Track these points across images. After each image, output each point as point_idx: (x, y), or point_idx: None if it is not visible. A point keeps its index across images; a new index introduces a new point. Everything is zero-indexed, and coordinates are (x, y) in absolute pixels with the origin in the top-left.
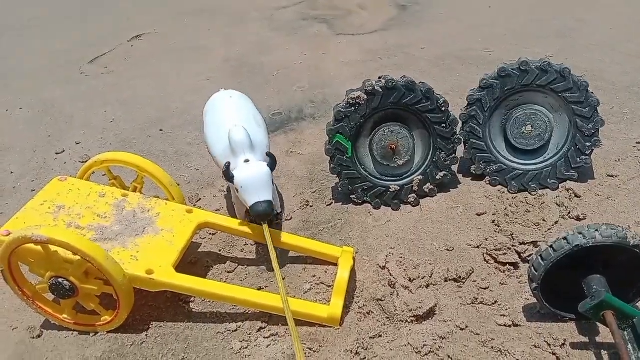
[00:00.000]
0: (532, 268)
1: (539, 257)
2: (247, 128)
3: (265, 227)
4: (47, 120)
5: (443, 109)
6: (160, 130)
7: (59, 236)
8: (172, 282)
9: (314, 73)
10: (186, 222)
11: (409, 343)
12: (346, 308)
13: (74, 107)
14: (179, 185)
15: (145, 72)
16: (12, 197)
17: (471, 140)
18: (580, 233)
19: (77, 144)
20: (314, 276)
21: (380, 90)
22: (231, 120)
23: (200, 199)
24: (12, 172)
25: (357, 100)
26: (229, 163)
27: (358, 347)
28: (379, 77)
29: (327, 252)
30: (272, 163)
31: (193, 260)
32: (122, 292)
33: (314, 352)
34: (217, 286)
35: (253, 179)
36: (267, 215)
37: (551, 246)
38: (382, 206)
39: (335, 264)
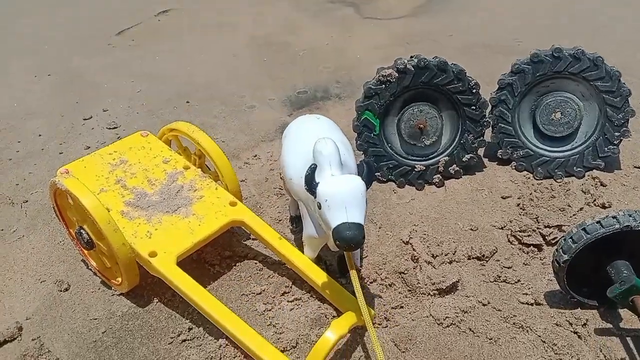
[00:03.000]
0: (561, 250)
1: (570, 240)
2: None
3: (349, 255)
4: (74, 88)
5: (474, 90)
6: (187, 102)
7: (75, 190)
8: (164, 274)
9: (340, 55)
10: (221, 214)
11: (430, 314)
12: (369, 279)
13: (101, 77)
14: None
15: (171, 47)
16: (40, 158)
17: (500, 124)
18: (614, 217)
19: (104, 111)
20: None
21: (412, 69)
22: (318, 136)
23: None
24: (40, 135)
25: (388, 78)
26: (315, 165)
27: (379, 317)
28: (411, 56)
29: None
30: (369, 176)
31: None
32: (121, 261)
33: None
34: (204, 299)
35: (342, 193)
36: (355, 243)
37: (584, 229)
38: (406, 185)
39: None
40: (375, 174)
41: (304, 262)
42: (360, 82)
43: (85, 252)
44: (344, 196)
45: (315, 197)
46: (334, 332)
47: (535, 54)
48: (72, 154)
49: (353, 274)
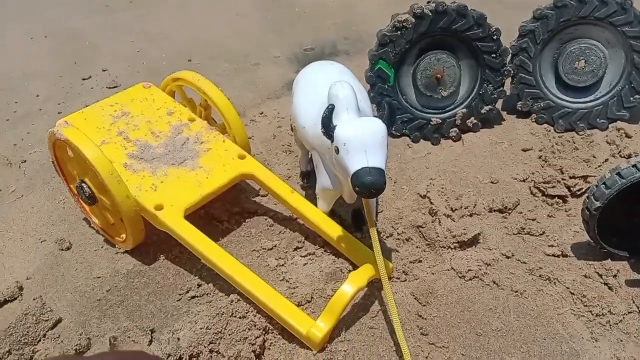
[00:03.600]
0: (593, 197)
1: (603, 185)
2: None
3: (368, 205)
4: (72, 48)
5: (495, 37)
6: (189, 60)
7: (75, 140)
8: (172, 227)
9: (348, 11)
10: (230, 167)
11: (452, 267)
12: (385, 234)
13: (99, 37)
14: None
15: (171, 5)
16: (38, 119)
17: (520, 74)
18: None
19: (103, 71)
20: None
21: (430, 13)
22: (332, 81)
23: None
24: (37, 95)
25: (403, 24)
26: (332, 106)
27: (398, 271)
28: (428, 1)
29: (357, 258)
30: (391, 118)
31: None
32: (125, 214)
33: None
34: (214, 253)
35: (362, 135)
36: (376, 189)
37: (618, 173)
38: (422, 140)
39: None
40: (395, 122)
41: (317, 216)
42: (369, 39)
43: (87, 208)
44: (364, 139)
45: (332, 141)
46: (352, 285)
47: None
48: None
49: (372, 230)
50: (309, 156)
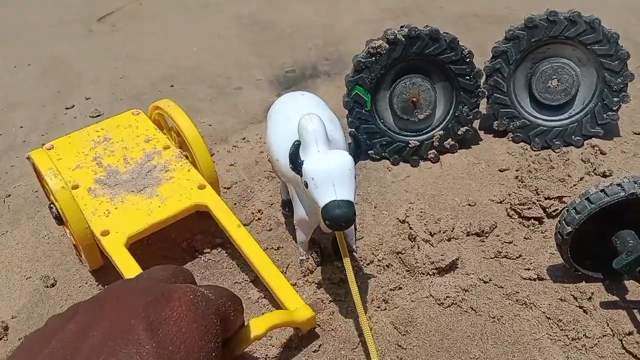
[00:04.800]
0: (564, 222)
1: (573, 210)
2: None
3: (341, 237)
4: (55, 76)
5: (467, 60)
6: (171, 86)
7: (40, 165)
8: (110, 253)
9: (328, 31)
10: (185, 197)
11: (430, 295)
12: (365, 261)
13: (83, 64)
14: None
15: (154, 30)
16: (22, 151)
17: (495, 94)
18: (618, 185)
19: (87, 99)
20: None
21: (403, 39)
22: (302, 113)
23: (213, 153)
24: (21, 127)
25: (377, 50)
26: (299, 142)
27: (378, 299)
28: (401, 26)
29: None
30: (357, 150)
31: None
32: (80, 243)
33: (340, 301)
34: None
35: (329, 169)
36: (345, 221)
37: (587, 198)
38: (401, 162)
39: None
40: (368, 151)
41: (257, 255)
42: (350, 58)
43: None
44: (331, 173)
45: (301, 176)
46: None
47: (530, 19)
48: None
49: (346, 261)
50: (287, 186)
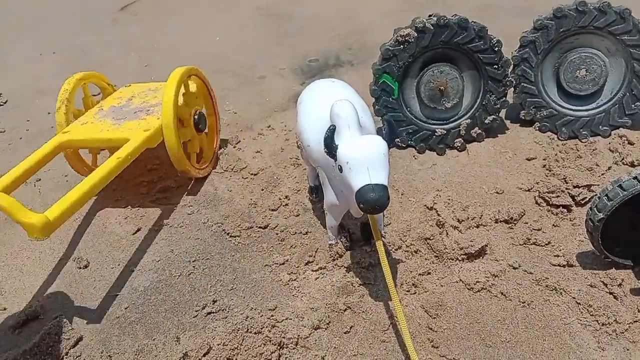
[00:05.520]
0: (595, 209)
1: (605, 197)
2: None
3: (373, 221)
4: (80, 65)
5: (496, 49)
6: None
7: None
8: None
9: (349, 21)
10: (126, 130)
11: (460, 279)
12: (394, 246)
13: (107, 53)
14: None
15: (175, 20)
16: (51, 136)
17: (522, 83)
18: None
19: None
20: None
21: (431, 27)
22: (334, 99)
23: (239, 141)
24: (49, 113)
25: (406, 38)
26: (334, 126)
27: (407, 284)
28: (429, 15)
29: None
30: (391, 135)
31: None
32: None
33: (370, 284)
34: None
35: (363, 153)
36: (379, 205)
37: (620, 185)
38: (427, 150)
39: None
40: (396, 138)
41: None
42: (373, 49)
43: None
44: (365, 157)
45: (335, 160)
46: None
47: (559, 9)
48: None
49: (379, 244)
50: (316, 172)
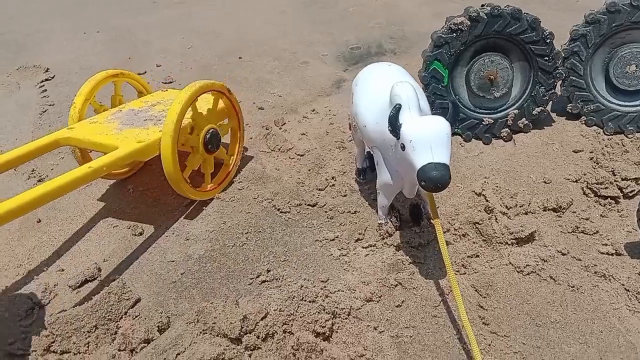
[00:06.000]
0: None
1: None
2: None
3: (432, 200)
4: (124, 45)
5: (548, 41)
6: (240, 58)
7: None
8: None
9: (390, 11)
10: (121, 138)
11: (510, 262)
12: (442, 229)
13: (149, 34)
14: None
15: (217, 4)
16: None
17: (571, 77)
18: None
19: (157, 66)
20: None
21: (485, 17)
22: (391, 82)
23: (284, 123)
24: None
25: (459, 26)
26: (400, 105)
27: (456, 264)
28: (482, 5)
29: None
30: (454, 116)
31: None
32: None
33: (420, 263)
34: None
35: (427, 133)
36: (442, 183)
37: None
38: (473, 139)
39: None
40: (458, 119)
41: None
42: (414, 38)
43: None
44: (429, 136)
45: (398, 139)
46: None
47: (613, 3)
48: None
49: (437, 222)
50: (365, 154)
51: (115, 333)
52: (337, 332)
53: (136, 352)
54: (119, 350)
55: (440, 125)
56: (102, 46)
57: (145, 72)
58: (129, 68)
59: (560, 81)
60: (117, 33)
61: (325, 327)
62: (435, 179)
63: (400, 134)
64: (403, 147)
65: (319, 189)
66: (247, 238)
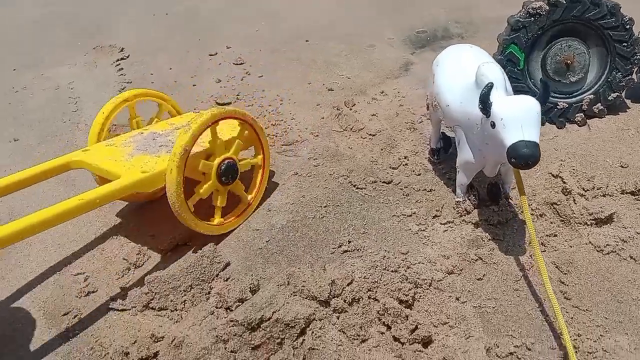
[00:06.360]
0: None
1: None
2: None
3: (519, 177)
4: (193, 26)
5: (627, 27)
6: (306, 41)
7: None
8: None
9: None
10: (128, 166)
11: (589, 242)
12: (519, 208)
13: (217, 16)
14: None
15: None
16: (176, 90)
17: None
18: None
19: (227, 48)
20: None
21: (564, 1)
22: (475, 63)
23: (354, 104)
24: (170, 69)
25: (538, 11)
26: (492, 84)
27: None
28: None
29: None
30: (545, 95)
31: None
32: None
33: (499, 240)
34: None
35: (519, 111)
36: (532, 161)
37: None
38: (547, 123)
39: None
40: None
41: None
42: (481, 23)
43: None
44: (520, 115)
45: (488, 117)
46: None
47: None
48: (205, 87)
49: (523, 199)
50: (440, 134)
51: (209, 293)
52: (419, 301)
53: (231, 310)
54: (216, 307)
55: (531, 104)
56: (171, 28)
57: (217, 53)
58: (200, 49)
59: (637, 67)
60: (186, 15)
61: (408, 295)
62: (525, 156)
63: (491, 112)
64: (493, 125)
65: (393, 168)
66: (326, 211)
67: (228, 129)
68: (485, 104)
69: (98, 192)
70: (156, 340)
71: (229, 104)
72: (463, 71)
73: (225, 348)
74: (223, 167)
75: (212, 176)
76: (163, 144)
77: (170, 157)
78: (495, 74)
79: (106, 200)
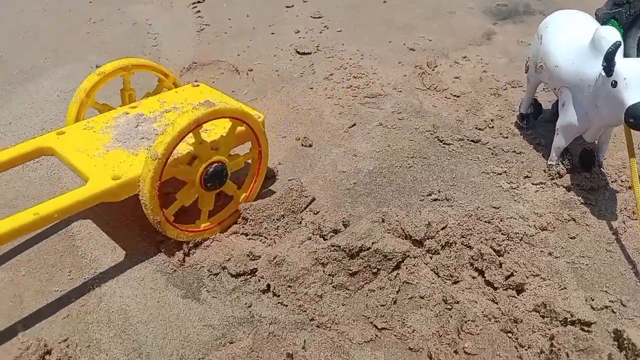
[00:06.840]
0: None
1: None
2: None
3: (630, 138)
4: None
5: None
6: (384, 2)
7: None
8: None
9: None
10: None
11: None
12: (610, 178)
13: None
14: None
15: None
16: (253, 35)
17: None
18: None
19: (304, 1)
20: None
21: None
22: (586, 26)
23: (437, 65)
24: (248, 16)
25: None
26: (619, 42)
27: (628, 210)
28: None
29: None
30: None
31: None
32: None
33: (591, 205)
34: None
35: None
36: None
37: None
38: None
39: None
40: None
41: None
42: (562, 2)
43: None
44: None
45: (610, 76)
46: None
47: None
48: (283, 35)
49: (632, 161)
50: (531, 100)
51: (300, 223)
52: (509, 253)
53: (326, 239)
54: (312, 234)
55: None
56: None
57: (293, 5)
58: (277, 0)
59: None
60: None
61: (501, 245)
62: None
63: (614, 71)
64: (614, 84)
65: (479, 129)
66: (413, 162)
67: (221, 123)
68: (609, 62)
69: (55, 204)
70: (253, 259)
71: (309, 54)
72: (577, 32)
73: (324, 271)
74: (209, 172)
75: (195, 183)
76: (146, 133)
77: (144, 164)
78: (617, 36)
79: (67, 213)
